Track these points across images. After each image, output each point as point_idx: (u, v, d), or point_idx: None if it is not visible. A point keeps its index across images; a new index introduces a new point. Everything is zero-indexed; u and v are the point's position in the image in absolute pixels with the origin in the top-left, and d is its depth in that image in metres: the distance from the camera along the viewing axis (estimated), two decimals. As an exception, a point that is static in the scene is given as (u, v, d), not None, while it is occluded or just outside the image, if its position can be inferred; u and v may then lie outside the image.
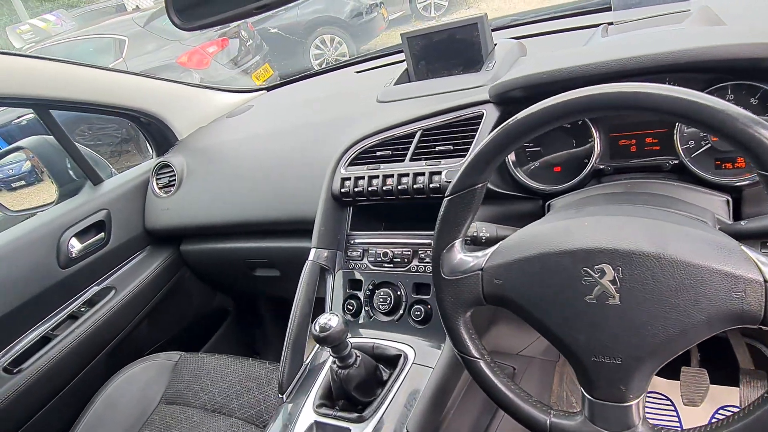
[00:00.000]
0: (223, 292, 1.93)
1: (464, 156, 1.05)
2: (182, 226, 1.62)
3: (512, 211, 1.04)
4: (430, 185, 1.07)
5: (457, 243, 0.77)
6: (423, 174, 1.08)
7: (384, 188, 1.12)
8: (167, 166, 1.67)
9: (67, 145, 1.53)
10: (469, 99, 1.09)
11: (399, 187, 1.10)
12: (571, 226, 0.69)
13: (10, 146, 1.64)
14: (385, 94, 1.40)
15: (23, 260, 1.38)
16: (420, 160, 1.11)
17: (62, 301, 1.46)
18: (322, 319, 0.87)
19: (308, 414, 0.96)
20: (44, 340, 1.40)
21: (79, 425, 1.31)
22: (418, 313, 1.05)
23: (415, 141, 1.13)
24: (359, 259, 1.17)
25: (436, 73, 1.37)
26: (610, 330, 0.64)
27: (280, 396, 1.03)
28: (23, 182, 1.97)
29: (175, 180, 1.65)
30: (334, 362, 0.92)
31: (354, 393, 0.94)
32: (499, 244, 0.75)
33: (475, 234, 0.85)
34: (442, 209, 0.76)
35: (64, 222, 1.47)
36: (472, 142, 1.05)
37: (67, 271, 1.45)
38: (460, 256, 0.77)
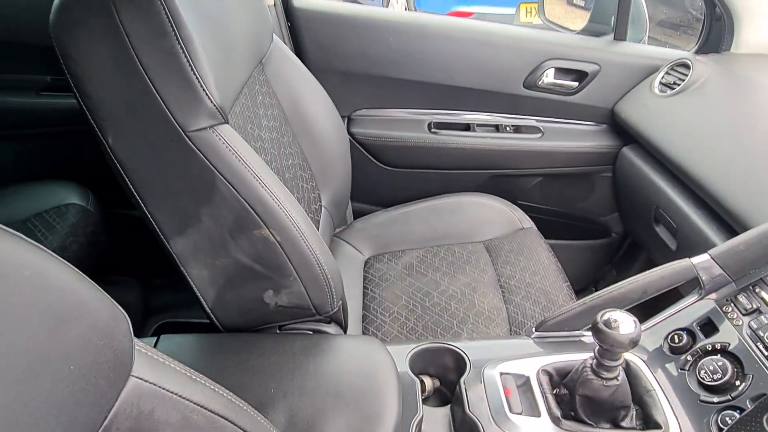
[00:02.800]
0: (622, 217, 1.72)
1: None
2: (640, 132, 1.41)
3: None
4: None
5: None
6: None
7: None
8: (688, 66, 1.41)
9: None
10: None
11: None
12: None
13: None
14: None
15: (503, 57, 1.46)
16: None
17: (499, 110, 1.54)
18: (614, 315, 0.70)
19: (527, 366, 0.84)
20: (466, 126, 1.54)
21: None
22: (728, 419, 0.73)
23: None
24: (746, 312, 0.83)
25: None
26: None
27: (533, 330, 0.93)
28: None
29: (680, 84, 1.39)
30: (593, 359, 0.75)
31: (577, 400, 0.77)
32: None
33: None
34: None
35: (557, 51, 1.46)
36: None
37: (524, 92, 1.49)
38: None
